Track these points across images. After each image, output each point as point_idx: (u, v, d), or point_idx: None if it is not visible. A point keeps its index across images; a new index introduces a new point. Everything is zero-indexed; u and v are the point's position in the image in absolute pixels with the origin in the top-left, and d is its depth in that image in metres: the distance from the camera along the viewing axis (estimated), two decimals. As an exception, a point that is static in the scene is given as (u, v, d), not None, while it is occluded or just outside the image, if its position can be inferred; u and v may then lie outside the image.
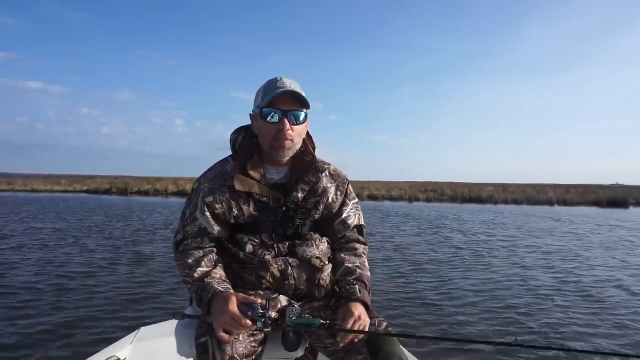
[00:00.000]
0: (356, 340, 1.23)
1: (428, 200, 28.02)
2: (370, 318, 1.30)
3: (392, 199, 28.64)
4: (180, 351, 1.35)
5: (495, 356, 3.17)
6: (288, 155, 1.35)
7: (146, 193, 27.83)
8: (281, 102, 1.29)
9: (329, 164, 1.48)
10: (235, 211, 1.33)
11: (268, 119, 1.30)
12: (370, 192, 30.09)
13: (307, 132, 1.43)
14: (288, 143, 1.31)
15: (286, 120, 1.29)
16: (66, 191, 29.09)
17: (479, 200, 27.46)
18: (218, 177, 1.35)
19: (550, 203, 26.73)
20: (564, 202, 26.90)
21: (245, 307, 1.15)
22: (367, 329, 1.25)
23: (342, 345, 1.22)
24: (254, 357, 1.21)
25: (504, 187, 43.94)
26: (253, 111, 1.38)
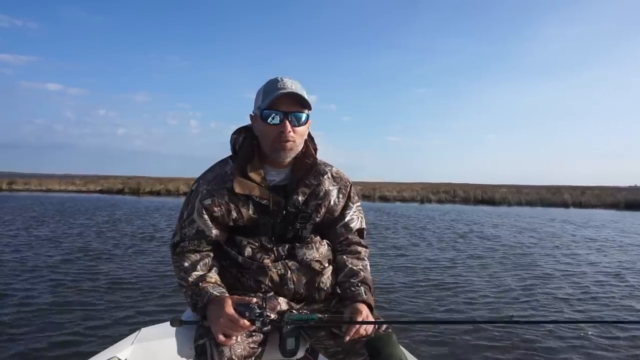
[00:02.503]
0: (362, 332, 1.22)
1: (440, 201, 27.76)
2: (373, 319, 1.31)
3: (403, 200, 28.46)
4: (181, 352, 1.35)
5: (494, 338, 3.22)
6: (289, 156, 1.32)
7: (158, 193, 28.12)
8: (282, 104, 1.26)
9: (331, 166, 1.46)
10: (234, 214, 1.31)
11: (269, 121, 1.27)
12: (381, 193, 29.96)
13: (309, 134, 1.41)
14: (289, 144, 1.28)
15: (287, 122, 1.26)
16: (80, 191, 29.50)
17: (491, 202, 27.16)
18: (217, 179, 1.33)
19: (566, 205, 26.28)
20: (580, 204, 26.40)
21: (242, 307, 1.14)
22: (369, 331, 1.24)
23: (347, 338, 1.21)
24: (252, 359, 1.20)
25: (518, 188, 43.45)
26: (253, 112, 1.35)
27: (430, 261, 6.93)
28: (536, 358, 3.21)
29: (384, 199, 28.66)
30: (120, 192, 28.99)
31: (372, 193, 30.17)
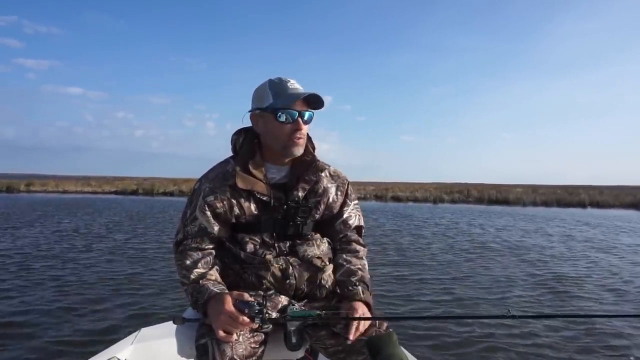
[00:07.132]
0: (360, 328, 1.22)
1: (453, 201, 27.48)
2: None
3: (416, 200, 28.25)
4: (181, 352, 1.35)
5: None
6: (300, 152, 1.38)
7: (171, 194, 28.42)
8: (297, 104, 1.32)
9: (329, 165, 1.50)
10: (237, 210, 1.34)
11: (284, 120, 1.31)
12: (394, 194, 29.81)
13: (307, 134, 1.47)
14: (301, 141, 1.35)
15: (300, 120, 1.32)
16: (95, 192, 29.96)
17: (506, 202, 26.79)
18: (219, 177, 1.36)
19: (583, 205, 25.77)
20: (597, 204, 25.85)
21: (242, 304, 1.14)
22: (367, 327, 1.24)
23: (351, 337, 1.21)
24: (254, 358, 1.21)
25: (534, 188, 42.86)
26: (258, 111, 1.36)
27: (436, 260, 6.84)
28: (538, 351, 3.20)
29: (396, 199, 28.50)
30: (134, 192, 29.37)
31: (384, 193, 30.03)
